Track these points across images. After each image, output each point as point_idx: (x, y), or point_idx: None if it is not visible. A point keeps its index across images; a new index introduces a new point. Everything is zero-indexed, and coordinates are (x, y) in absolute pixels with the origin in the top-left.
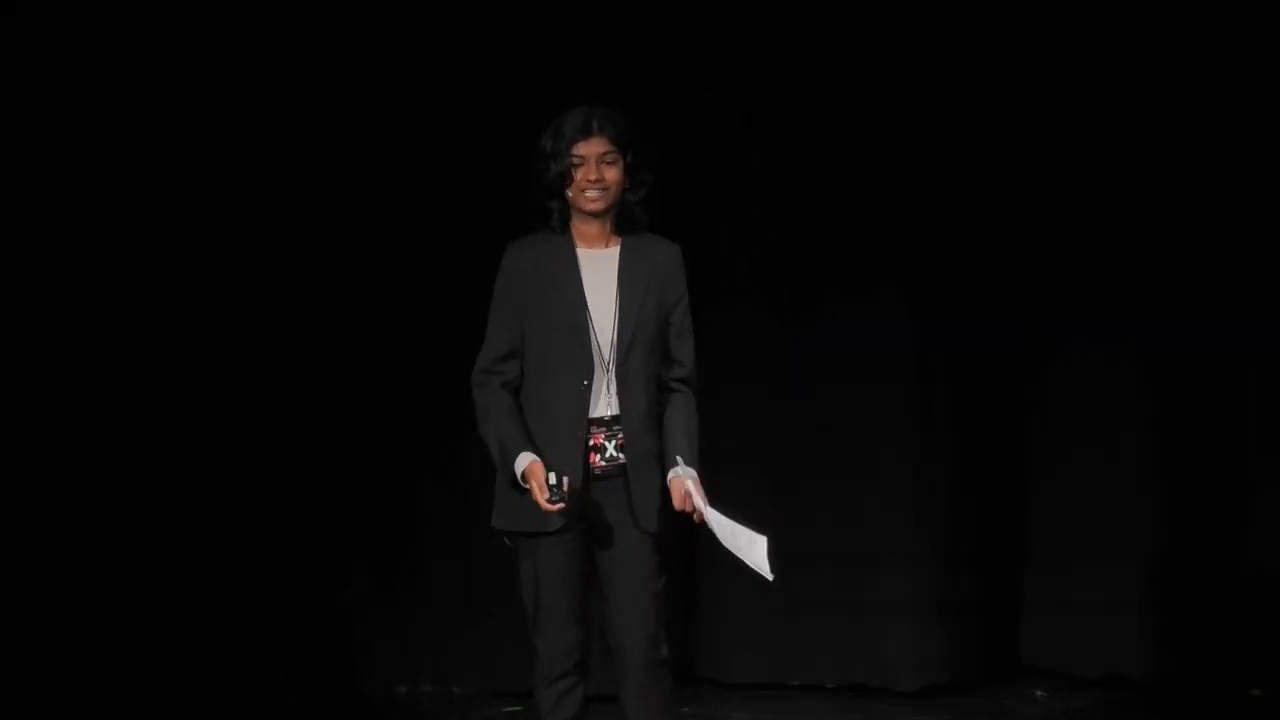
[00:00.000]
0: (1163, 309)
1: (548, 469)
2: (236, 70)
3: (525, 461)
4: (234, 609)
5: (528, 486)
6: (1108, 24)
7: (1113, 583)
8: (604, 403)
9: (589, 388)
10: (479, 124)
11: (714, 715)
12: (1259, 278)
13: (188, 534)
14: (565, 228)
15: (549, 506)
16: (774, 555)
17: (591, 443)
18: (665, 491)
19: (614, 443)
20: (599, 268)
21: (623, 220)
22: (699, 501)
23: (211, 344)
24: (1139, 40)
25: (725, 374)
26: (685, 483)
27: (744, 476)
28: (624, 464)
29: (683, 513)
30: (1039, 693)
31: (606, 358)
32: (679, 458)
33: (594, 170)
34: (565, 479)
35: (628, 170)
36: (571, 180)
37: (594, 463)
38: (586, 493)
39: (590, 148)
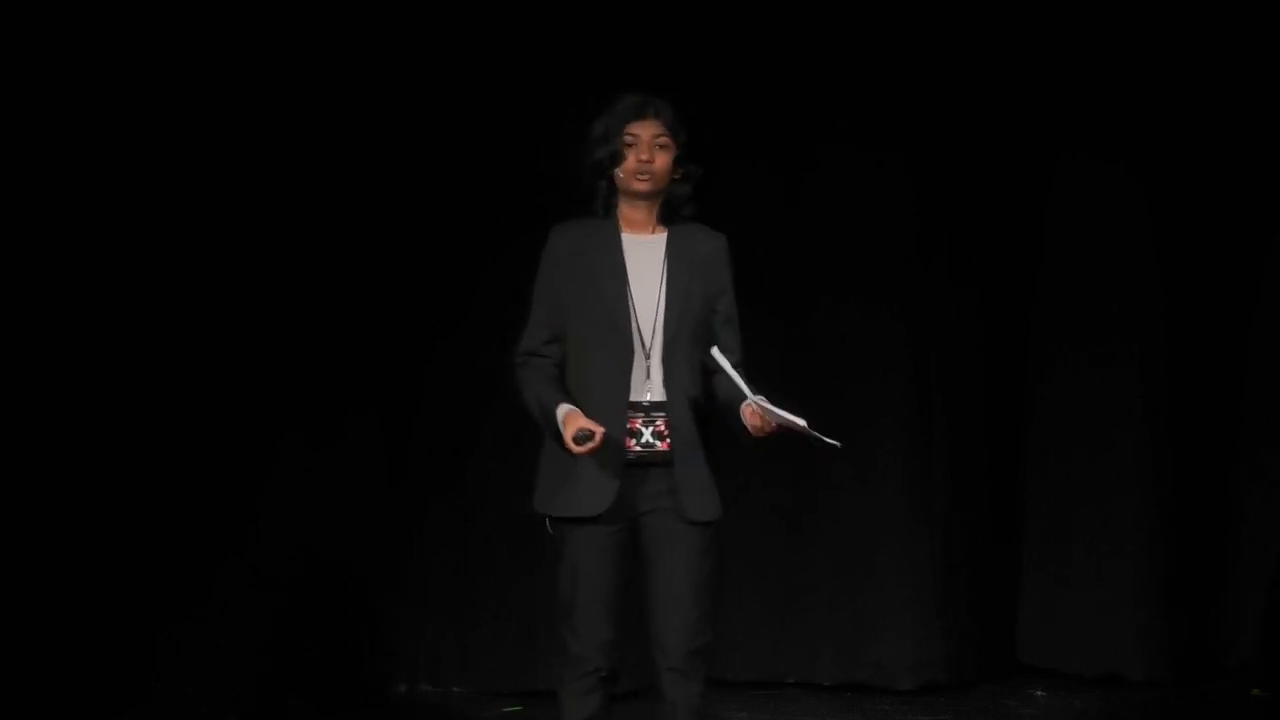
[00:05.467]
0: (1160, 310)
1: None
2: (245, 84)
3: (563, 411)
4: (236, 610)
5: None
6: (1110, 26)
7: (1110, 582)
8: (643, 388)
9: (627, 373)
10: (478, 133)
11: (713, 713)
12: (1256, 280)
13: (190, 535)
14: (609, 212)
15: (576, 448)
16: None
17: (628, 427)
18: (712, 478)
19: (651, 429)
20: (644, 254)
21: (670, 210)
22: (772, 411)
23: (215, 348)
24: (1141, 43)
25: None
26: (754, 405)
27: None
28: (663, 451)
29: (764, 434)
30: (1039, 693)
31: (648, 344)
32: (745, 390)
33: (646, 151)
34: (600, 430)
35: (677, 159)
36: (622, 160)
37: (629, 447)
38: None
39: (645, 129)
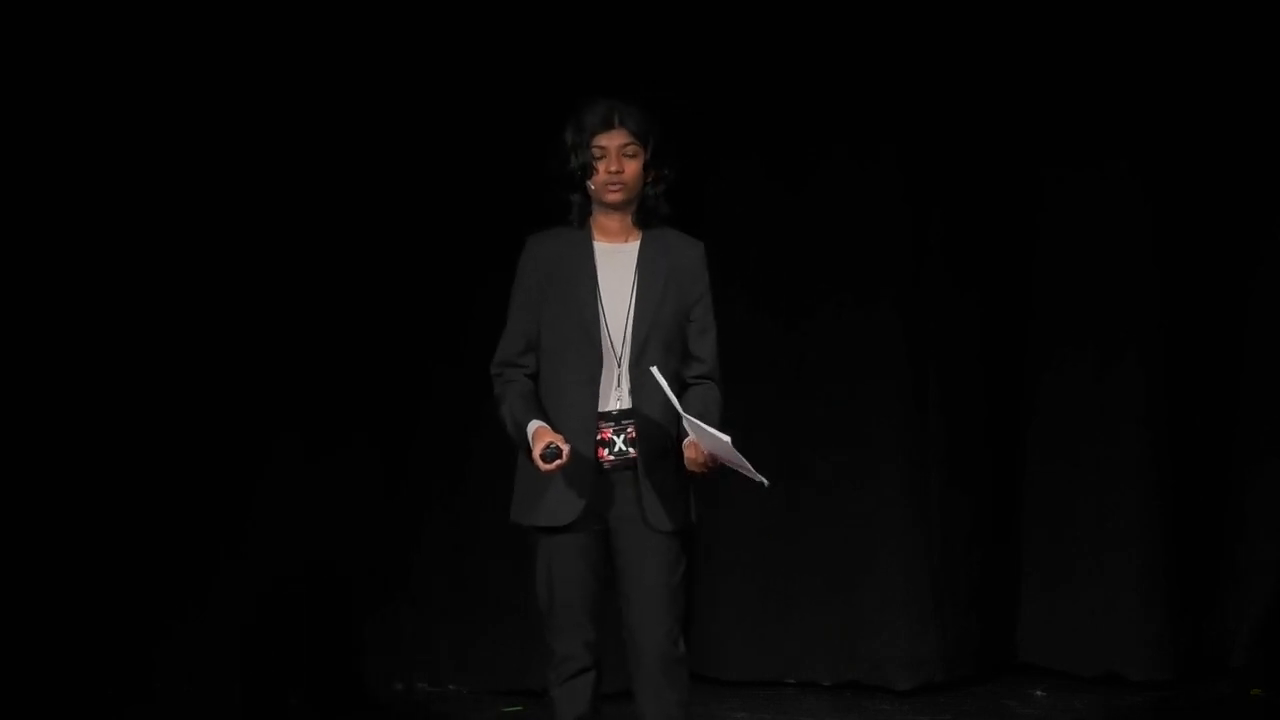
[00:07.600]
0: (1159, 310)
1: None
2: (250, 89)
3: (533, 428)
4: (235, 610)
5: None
6: (1106, 26)
7: (1111, 581)
8: (614, 398)
9: (598, 382)
10: (478, 140)
11: (711, 713)
12: (1251, 278)
13: (190, 537)
14: (584, 222)
15: (544, 465)
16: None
17: (600, 437)
18: (683, 488)
19: (623, 437)
20: (617, 263)
21: (644, 214)
22: (701, 428)
23: (218, 354)
24: (1137, 43)
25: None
26: (688, 434)
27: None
28: (635, 459)
29: (700, 469)
30: (1039, 693)
31: (618, 353)
32: (678, 407)
33: (615, 162)
34: (567, 448)
35: (648, 163)
36: (593, 172)
37: (602, 457)
38: (599, 487)
39: (611, 139)
